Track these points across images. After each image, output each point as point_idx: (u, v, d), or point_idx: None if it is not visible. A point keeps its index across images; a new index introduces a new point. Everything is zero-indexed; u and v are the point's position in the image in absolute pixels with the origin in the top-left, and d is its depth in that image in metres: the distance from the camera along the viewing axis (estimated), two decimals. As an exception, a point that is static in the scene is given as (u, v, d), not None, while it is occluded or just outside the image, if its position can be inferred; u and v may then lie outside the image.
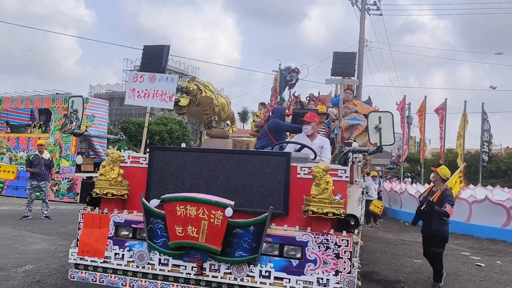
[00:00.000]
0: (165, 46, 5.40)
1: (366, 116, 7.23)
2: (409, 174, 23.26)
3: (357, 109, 7.00)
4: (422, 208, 7.04)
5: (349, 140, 6.46)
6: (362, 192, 6.46)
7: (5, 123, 15.60)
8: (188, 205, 3.95)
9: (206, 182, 4.38)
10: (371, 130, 4.33)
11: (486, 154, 19.47)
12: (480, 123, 19.21)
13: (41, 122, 16.09)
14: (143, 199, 4.28)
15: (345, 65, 4.42)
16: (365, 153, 4.31)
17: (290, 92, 9.59)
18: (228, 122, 8.75)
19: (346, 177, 4.23)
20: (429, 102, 20.11)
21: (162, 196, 4.11)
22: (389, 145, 4.35)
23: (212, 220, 3.92)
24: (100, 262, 4.44)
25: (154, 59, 5.36)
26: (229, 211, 3.81)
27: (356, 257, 4.22)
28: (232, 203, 3.94)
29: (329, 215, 3.90)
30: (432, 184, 7.59)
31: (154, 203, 4.08)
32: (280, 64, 9.02)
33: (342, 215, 3.96)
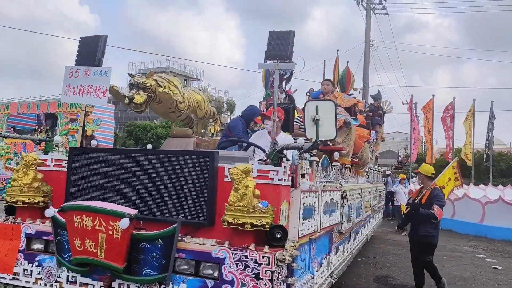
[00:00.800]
0: (101, 36, 4.88)
1: (348, 109, 6.43)
2: (415, 174, 21.92)
3: (337, 102, 6.19)
4: (407, 211, 6.24)
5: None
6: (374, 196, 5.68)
7: (11, 129, 15.80)
8: (84, 215, 3.38)
9: (119, 187, 3.81)
10: (308, 122, 3.60)
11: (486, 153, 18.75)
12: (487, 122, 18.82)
13: (47, 127, 16.21)
14: (50, 208, 3.75)
15: (280, 46, 3.72)
16: (300, 150, 3.56)
17: (284, 87, 8.86)
18: (211, 120, 8.14)
19: (279, 179, 3.52)
20: (435, 101, 19.40)
21: (62, 205, 3.56)
22: (330, 140, 3.60)
23: (110, 233, 3.32)
24: (9, 279, 3.95)
25: (91, 51, 4.85)
26: (124, 223, 3.19)
27: (293, 277, 3.50)
28: (133, 212, 3.33)
29: (246, 226, 3.21)
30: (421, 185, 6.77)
31: (49, 212, 3.53)
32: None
33: (266, 226, 3.26)
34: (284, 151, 3.58)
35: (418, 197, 6.69)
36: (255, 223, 3.21)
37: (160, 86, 6.17)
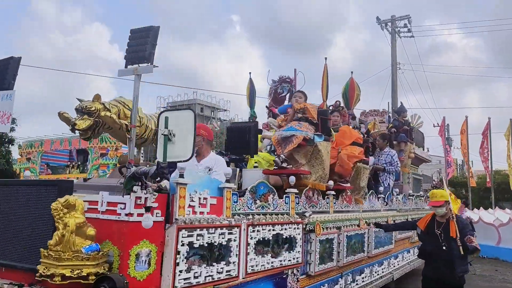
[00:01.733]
0: (11, 58, 4.46)
1: (313, 123, 5.40)
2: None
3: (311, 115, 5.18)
4: (443, 247, 5.04)
5: (281, 156, 4.71)
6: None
7: (45, 165, 16.41)
8: None
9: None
10: (159, 139, 2.75)
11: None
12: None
13: (79, 162, 16.63)
14: None
15: (140, 46, 2.96)
16: (147, 176, 2.71)
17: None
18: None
19: (127, 214, 2.70)
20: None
21: None
22: (184, 161, 2.72)
23: None
24: None
25: (1, 74, 4.45)
26: None
27: None
28: None
29: (55, 279, 2.41)
30: (429, 214, 5.48)
31: None
32: (269, 71, 7.52)
33: (90, 277, 2.44)
34: (164, 178, 2.75)
35: (438, 229, 5.41)
36: (68, 275, 2.40)
37: (109, 110, 5.67)
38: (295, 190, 4.60)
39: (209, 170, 4.14)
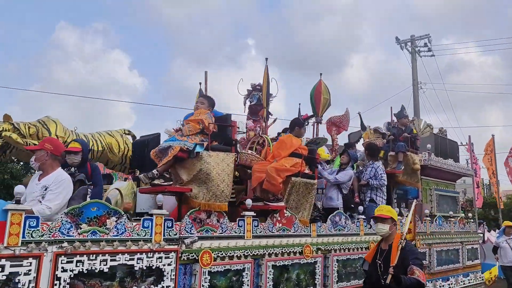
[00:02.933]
0: None
1: (221, 131, 4.57)
2: (482, 221, 16.37)
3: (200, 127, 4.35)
4: (381, 281, 3.93)
5: (153, 172, 3.94)
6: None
7: None
8: None
9: None
10: None
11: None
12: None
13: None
14: None
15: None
16: None
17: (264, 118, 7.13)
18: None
19: None
20: (487, 140, 17.03)
21: None
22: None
23: None
24: None
25: None
26: None
27: None
28: None
29: None
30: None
31: None
32: (240, 81, 6.81)
33: None
34: None
35: (379, 258, 4.28)
36: None
37: (18, 130, 5.45)
38: (164, 212, 3.83)
39: (46, 189, 3.60)
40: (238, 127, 4.52)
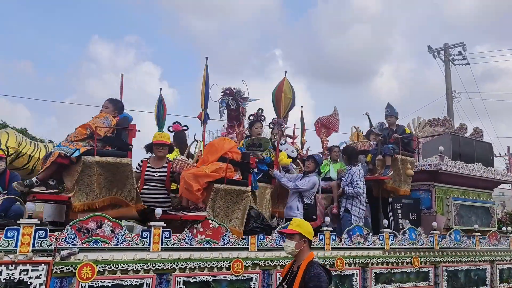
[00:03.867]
0: None
1: (115, 136, 4.28)
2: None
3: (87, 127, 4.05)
4: None
5: (32, 180, 3.72)
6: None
7: None
8: None
9: None
10: None
11: None
12: None
13: None
14: None
15: None
16: None
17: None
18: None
19: None
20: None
21: None
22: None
23: None
24: None
25: None
26: None
27: None
28: None
29: None
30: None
31: None
32: (212, 86, 6.52)
33: None
34: None
35: (286, 281, 3.68)
36: None
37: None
38: (34, 221, 3.63)
39: None
40: (139, 131, 4.19)
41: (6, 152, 5.47)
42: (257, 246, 4.88)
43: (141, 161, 4.91)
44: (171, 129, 5.87)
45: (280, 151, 6.01)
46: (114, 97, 4.64)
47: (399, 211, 7.16)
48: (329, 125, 7.02)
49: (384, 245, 6.04)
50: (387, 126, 6.73)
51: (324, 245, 5.43)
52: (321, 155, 6.51)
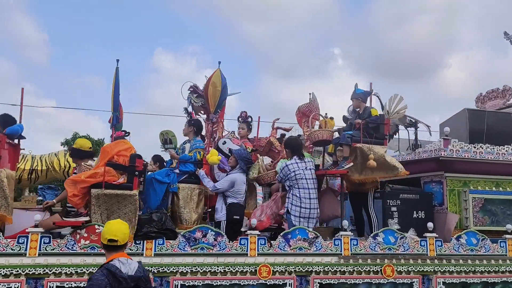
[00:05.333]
0: None
1: None
2: None
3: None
4: None
5: None
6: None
7: None
8: None
9: None
10: None
11: None
12: None
13: None
14: None
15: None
16: None
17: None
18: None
19: None
20: None
21: None
22: None
23: None
24: None
25: None
26: None
27: None
28: None
29: None
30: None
31: None
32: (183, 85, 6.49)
33: None
34: None
35: None
36: None
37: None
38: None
39: None
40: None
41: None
42: (154, 251, 4.65)
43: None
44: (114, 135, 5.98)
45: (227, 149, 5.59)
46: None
47: (393, 208, 5.97)
48: (309, 113, 6.24)
49: (341, 251, 5.12)
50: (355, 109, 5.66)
51: (248, 251, 4.87)
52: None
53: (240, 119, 6.18)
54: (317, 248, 5.06)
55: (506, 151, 5.94)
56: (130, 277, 3.00)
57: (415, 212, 6.04)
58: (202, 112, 6.22)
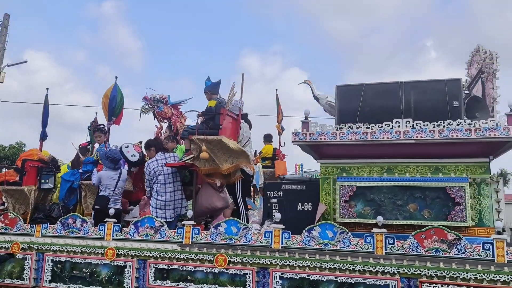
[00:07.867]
0: None
1: None
2: None
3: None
4: None
5: None
6: None
7: None
8: None
9: None
10: None
11: None
12: None
13: None
14: None
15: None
16: None
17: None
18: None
19: None
20: None
21: None
22: None
23: None
24: None
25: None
26: None
27: None
28: None
29: None
30: None
31: None
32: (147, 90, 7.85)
33: None
34: None
35: None
36: None
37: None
38: None
39: None
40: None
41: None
42: (41, 233, 6.03)
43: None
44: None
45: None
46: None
47: (273, 200, 5.74)
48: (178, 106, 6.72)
49: (183, 239, 5.43)
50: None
51: (104, 235, 5.75)
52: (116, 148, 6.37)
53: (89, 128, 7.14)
54: (161, 236, 5.54)
55: (381, 128, 4.95)
56: None
57: (300, 204, 5.67)
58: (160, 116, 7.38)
